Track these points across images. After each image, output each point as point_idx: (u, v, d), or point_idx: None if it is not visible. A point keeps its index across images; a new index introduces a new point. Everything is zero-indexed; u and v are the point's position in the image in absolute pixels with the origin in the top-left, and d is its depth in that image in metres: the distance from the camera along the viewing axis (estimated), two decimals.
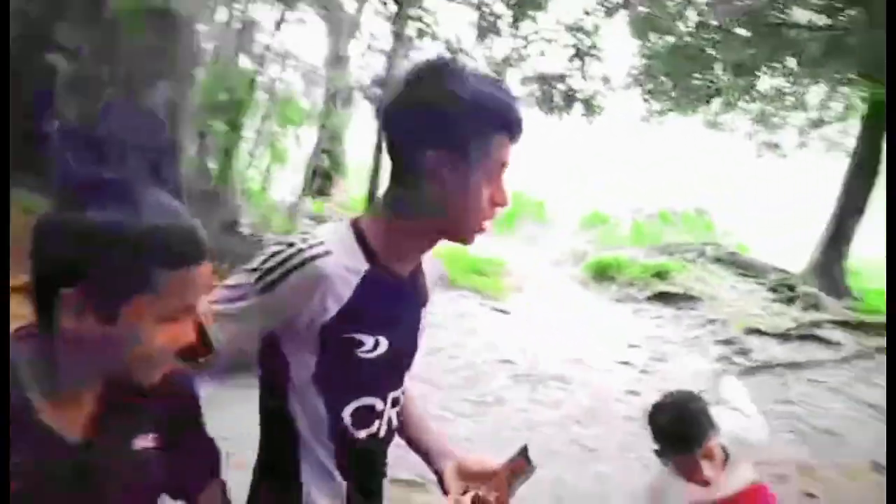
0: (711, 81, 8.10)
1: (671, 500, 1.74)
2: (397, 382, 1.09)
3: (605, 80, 7.51)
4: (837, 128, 11.83)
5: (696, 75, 7.94)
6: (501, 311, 6.89)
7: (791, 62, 8.57)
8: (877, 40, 5.15)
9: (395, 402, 1.09)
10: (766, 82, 9.95)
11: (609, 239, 12.00)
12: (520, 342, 5.89)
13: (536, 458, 1.04)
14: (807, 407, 4.54)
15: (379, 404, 1.06)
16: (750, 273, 8.90)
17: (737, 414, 1.83)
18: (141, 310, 0.72)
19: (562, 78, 7.35)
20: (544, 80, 7.33)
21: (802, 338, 6.43)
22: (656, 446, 1.63)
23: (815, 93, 11.01)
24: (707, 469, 1.61)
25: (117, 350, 0.73)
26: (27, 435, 0.71)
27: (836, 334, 6.43)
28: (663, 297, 7.83)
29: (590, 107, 7.78)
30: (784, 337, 6.39)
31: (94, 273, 0.69)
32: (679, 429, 1.62)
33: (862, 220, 8.34)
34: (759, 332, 6.40)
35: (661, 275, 8.52)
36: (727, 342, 6.19)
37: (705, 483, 1.65)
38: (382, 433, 1.07)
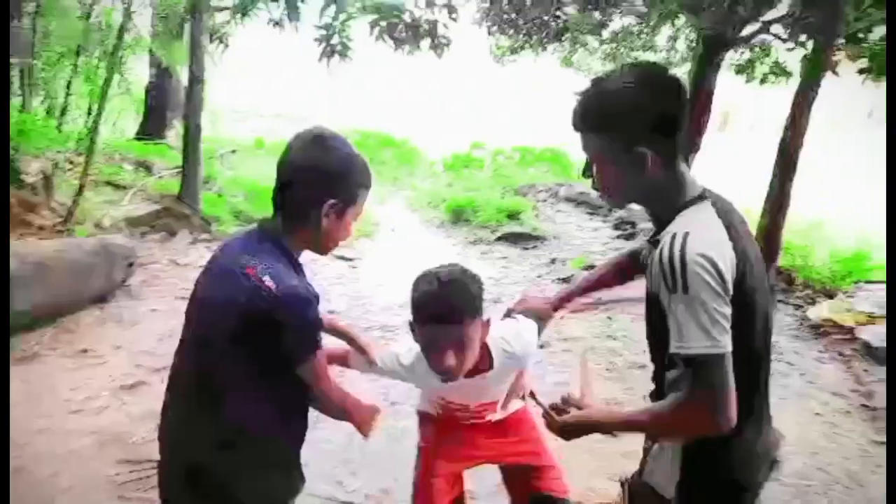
0: (557, 17, 7.96)
1: (419, 377, 1.70)
2: None
3: (450, 9, 7.13)
4: (685, 69, 12.32)
5: (543, 11, 7.76)
6: (344, 258, 6.56)
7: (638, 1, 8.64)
8: None
9: None
10: (617, 22, 10.04)
11: (471, 180, 11.90)
12: (355, 291, 5.63)
13: None
14: (626, 342, 4.63)
15: None
16: (597, 211, 9.13)
17: (518, 337, 1.66)
18: (352, 214, 1.42)
19: (402, 7, 6.89)
20: (381, 9, 6.83)
21: (638, 272, 6.64)
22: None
23: (665, 33, 11.31)
24: (450, 358, 1.50)
25: (338, 233, 1.42)
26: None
27: None
28: (512, 238, 7.83)
29: (436, 40, 7.40)
30: None
31: (339, 190, 1.37)
32: (430, 299, 1.51)
33: (697, 156, 8.69)
34: (594, 268, 6.52)
35: (512, 216, 8.53)
36: (566, 280, 6.26)
37: (445, 371, 1.53)
38: None
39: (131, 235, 5.87)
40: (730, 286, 1.18)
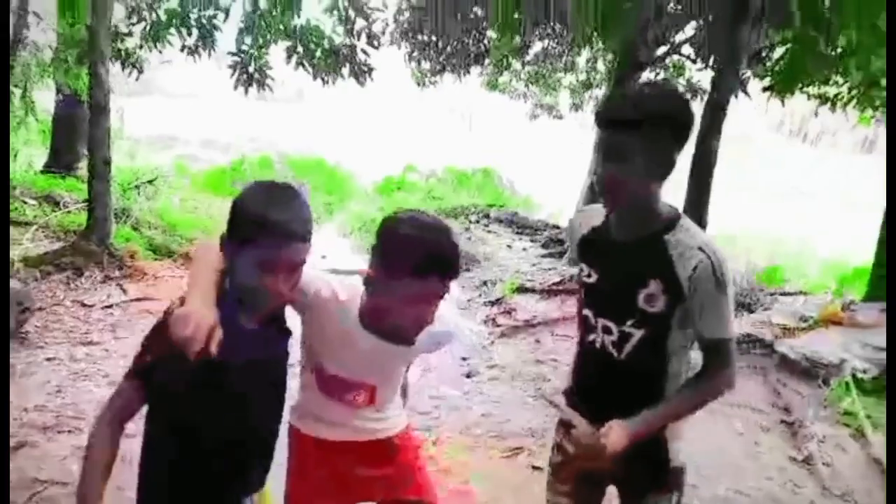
0: (479, 41, 8.02)
1: (340, 320, 1.54)
2: None
3: (370, 36, 7.06)
4: (604, 90, 12.67)
5: (464, 34, 7.80)
6: None
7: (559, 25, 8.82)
8: None
9: None
10: (537, 44, 10.24)
11: (403, 203, 11.81)
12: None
13: None
14: (554, 366, 4.58)
15: None
16: (526, 231, 9.18)
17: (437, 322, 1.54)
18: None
19: (318, 32, 6.77)
20: (297, 33, 6.70)
21: (568, 292, 6.66)
22: None
23: (585, 55, 11.61)
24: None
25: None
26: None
27: None
28: None
29: (356, 67, 7.32)
30: (549, 293, 6.57)
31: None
32: (446, 251, 1.39)
33: None
34: (525, 290, 6.51)
35: None
36: (494, 303, 6.21)
37: (424, 325, 1.45)
38: None
39: (29, 277, 5.46)
40: None
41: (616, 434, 1.40)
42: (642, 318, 1.46)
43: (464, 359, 4.85)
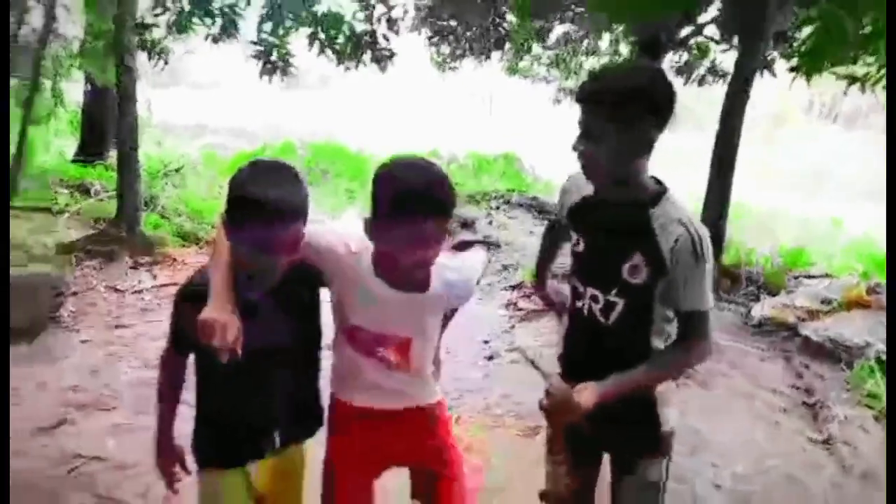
0: (499, 26, 7.99)
1: (356, 272, 1.58)
2: None
3: (390, 21, 7.09)
4: None
5: (482, 18, 7.78)
6: None
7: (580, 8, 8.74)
8: None
9: None
10: (559, 28, 10.14)
11: None
12: None
13: None
14: None
15: None
16: (547, 216, 9.16)
17: (459, 268, 1.68)
18: None
19: (339, 18, 6.82)
20: (319, 20, 6.74)
21: None
22: None
23: (607, 38, 11.48)
24: (432, 252, 1.47)
25: None
26: None
27: None
28: (465, 247, 7.77)
29: (377, 53, 7.35)
30: (567, 277, 6.57)
31: None
32: (437, 189, 1.42)
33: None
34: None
35: (466, 223, 8.50)
36: (515, 287, 6.24)
37: (423, 264, 1.51)
38: None
39: (64, 263, 5.63)
40: None
41: (588, 392, 1.48)
42: (625, 288, 1.52)
43: (485, 342, 4.91)
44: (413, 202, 1.38)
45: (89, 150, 9.84)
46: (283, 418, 1.63)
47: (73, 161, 9.40)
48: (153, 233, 6.69)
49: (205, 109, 18.20)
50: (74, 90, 9.42)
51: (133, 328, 4.60)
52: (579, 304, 1.63)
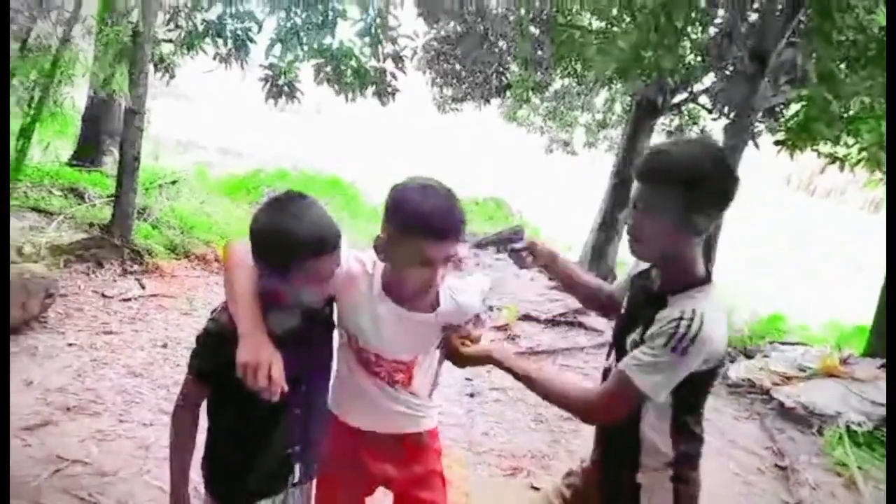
0: (502, 74, 8.28)
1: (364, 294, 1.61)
2: None
3: (397, 59, 7.29)
4: (619, 130, 12.95)
5: (486, 66, 8.06)
6: None
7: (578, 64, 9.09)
8: (638, 42, 5.43)
9: None
10: (557, 81, 10.51)
11: None
12: None
13: None
14: None
15: None
16: None
17: (464, 290, 1.71)
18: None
19: (349, 54, 7.00)
20: (330, 53, 6.92)
21: (570, 324, 6.79)
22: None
23: (603, 96, 11.90)
24: (441, 274, 1.50)
25: None
26: None
27: (600, 321, 6.85)
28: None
29: (382, 88, 7.54)
30: (553, 323, 6.69)
31: None
32: (447, 213, 1.44)
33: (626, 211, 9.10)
34: (530, 318, 6.64)
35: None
36: (500, 329, 6.33)
37: (431, 286, 1.54)
38: None
39: (54, 264, 5.61)
40: (711, 362, 1.41)
41: (481, 346, 1.61)
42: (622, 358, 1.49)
43: (468, 379, 4.96)
44: (423, 224, 1.40)
45: (85, 156, 9.84)
46: (303, 451, 1.60)
47: (68, 164, 9.37)
48: (144, 242, 6.68)
49: (195, 125, 18.23)
50: (76, 93, 9.45)
51: (120, 335, 4.59)
52: (607, 362, 1.64)
